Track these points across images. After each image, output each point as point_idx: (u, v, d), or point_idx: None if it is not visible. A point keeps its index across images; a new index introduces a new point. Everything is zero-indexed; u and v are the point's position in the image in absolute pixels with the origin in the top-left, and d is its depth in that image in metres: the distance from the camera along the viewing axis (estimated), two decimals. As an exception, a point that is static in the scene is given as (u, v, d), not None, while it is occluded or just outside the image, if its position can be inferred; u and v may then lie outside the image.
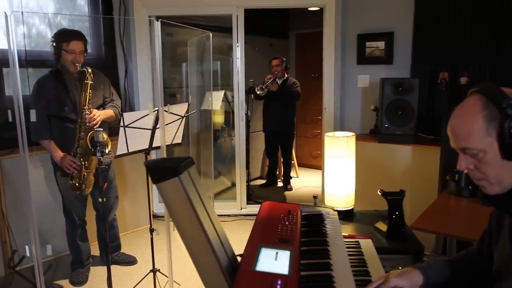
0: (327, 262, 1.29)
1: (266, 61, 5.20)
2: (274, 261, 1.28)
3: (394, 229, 2.15)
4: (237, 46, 4.01)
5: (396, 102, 3.27)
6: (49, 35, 3.49)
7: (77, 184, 2.71)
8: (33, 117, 2.08)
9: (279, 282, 1.14)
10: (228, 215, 4.20)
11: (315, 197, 2.61)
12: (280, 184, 5.43)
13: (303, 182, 5.61)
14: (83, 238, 3.02)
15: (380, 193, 2.22)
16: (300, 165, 6.06)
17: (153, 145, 2.45)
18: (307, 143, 6.26)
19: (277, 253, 1.34)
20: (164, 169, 1.21)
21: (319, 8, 4.71)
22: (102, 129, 2.25)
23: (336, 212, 1.81)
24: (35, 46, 3.42)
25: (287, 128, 5.00)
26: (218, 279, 1.22)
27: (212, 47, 4.56)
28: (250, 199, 4.51)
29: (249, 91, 4.47)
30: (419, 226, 1.85)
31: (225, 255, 1.29)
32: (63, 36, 2.64)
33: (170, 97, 4.64)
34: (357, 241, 1.81)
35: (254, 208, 4.30)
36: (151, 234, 2.60)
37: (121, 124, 2.19)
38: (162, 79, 2.10)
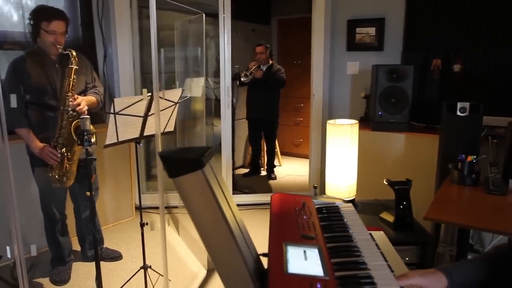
0: (361, 261, 1.19)
1: (249, 47, 5.05)
2: (305, 261, 1.16)
3: (401, 219, 2.09)
4: (224, 31, 3.83)
5: (390, 89, 3.21)
6: (15, 15, 3.21)
7: (57, 177, 2.50)
8: (13, 102, 1.85)
9: (318, 285, 1.03)
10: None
11: (315, 187, 2.52)
12: (263, 173, 5.33)
13: (286, 170, 5.53)
14: (64, 233, 2.82)
15: (386, 183, 2.15)
16: (282, 153, 5.97)
17: (144, 134, 2.27)
18: (289, 131, 6.18)
19: (305, 251, 1.22)
20: (184, 161, 1.07)
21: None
22: (88, 117, 2.06)
23: (350, 204, 1.71)
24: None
25: (272, 116, 4.88)
26: (244, 283, 1.10)
27: (190, 33, 4.36)
28: (235, 189, 4.38)
29: (235, 77, 4.31)
30: (434, 217, 1.79)
31: (250, 255, 1.16)
32: (44, 15, 2.39)
33: (151, 84, 4.40)
34: (370, 234, 1.72)
35: (241, 198, 4.19)
36: (142, 228, 2.44)
37: (111, 110, 2.00)
38: (157, 61, 1.92)
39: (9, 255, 1.84)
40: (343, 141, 2.29)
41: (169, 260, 2.97)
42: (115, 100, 1.99)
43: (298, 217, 1.48)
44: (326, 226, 1.46)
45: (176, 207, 4.02)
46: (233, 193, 4.23)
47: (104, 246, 3.10)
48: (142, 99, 2.06)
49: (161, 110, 2.14)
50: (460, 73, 3.22)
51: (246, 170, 5.34)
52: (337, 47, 3.97)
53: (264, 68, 4.64)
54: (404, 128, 3.21)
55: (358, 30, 3.83)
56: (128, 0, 3.72)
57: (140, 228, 2.46)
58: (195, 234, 3.49)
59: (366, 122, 3.56)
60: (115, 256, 3.05)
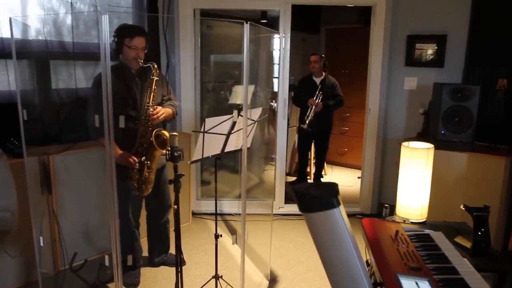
0: (475, 296, 1.25)
1: (300, 56, 5.11)
2: (421, 294, 1.23)
3: (479, 245, 2.11)
4: (283, 45, 3.92)
5: (454, 108, 3.21)
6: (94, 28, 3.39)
7: (136, 185, 2.63)
8: (97, 122, 1.99)
9: (446, 321, 1.09)
10: (267, 215, 4.12)
11: (386, 207, 2.56)
12: (309, 181, 5.36)
13: (331, 180, 5.56)
14: (137, 240, 2.95)
15: (464, 208, 2.17)
16: (326, 162, 5.99)
17: (225, 150, 2.37)
18: (334, 140, 6.16)
19: (417, 283, 1.29)
20: (320, 198, 1.15)
21: (352, 6, 4.58)
22: (177, 134, 2.17)
23: (441, 233, 1.77)
24: (78, 39, 3.32)
25: (326, 129, 4.80)
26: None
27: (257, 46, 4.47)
28: (286, 198, 4.44)
29: (289, 88, 4.36)
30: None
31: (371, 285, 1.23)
32: (127, 32, 2.54)
33: (208, 92, 4.54)
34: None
35: (292, 208, 4.23)
36: (216, 240, 2.55)
37: (202, 129, 2.11)
38: (248, 75, 1.98)
39: (107, 263, 1.97)
40: (418, 165, 2.32)
41: (231, 269, 3.08)
42: (207, 120, 2.09)
43: (398, 246, 1.54)
44: (427, 256, 1.51)
45: (231, 214, 4.13)
46: (285, 203, 4.29)
47: (169, 252, 3.23)
48: (231, 118, 2.15)
49: (241, 129, 2.23)
50: (527, 94, 3.19)
51: (292, 178, 5.39)
52: (395, 61, 3.98)
53: (318, 81, 4.63)
54: (467, 147, 3.20)
55: (417, 45, 3.84)
56: (191, 12, 3.85)
57: (210, 237, 2.56)
58: (254, 243, 3.57)
59: (424, 139, 3.56)
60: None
